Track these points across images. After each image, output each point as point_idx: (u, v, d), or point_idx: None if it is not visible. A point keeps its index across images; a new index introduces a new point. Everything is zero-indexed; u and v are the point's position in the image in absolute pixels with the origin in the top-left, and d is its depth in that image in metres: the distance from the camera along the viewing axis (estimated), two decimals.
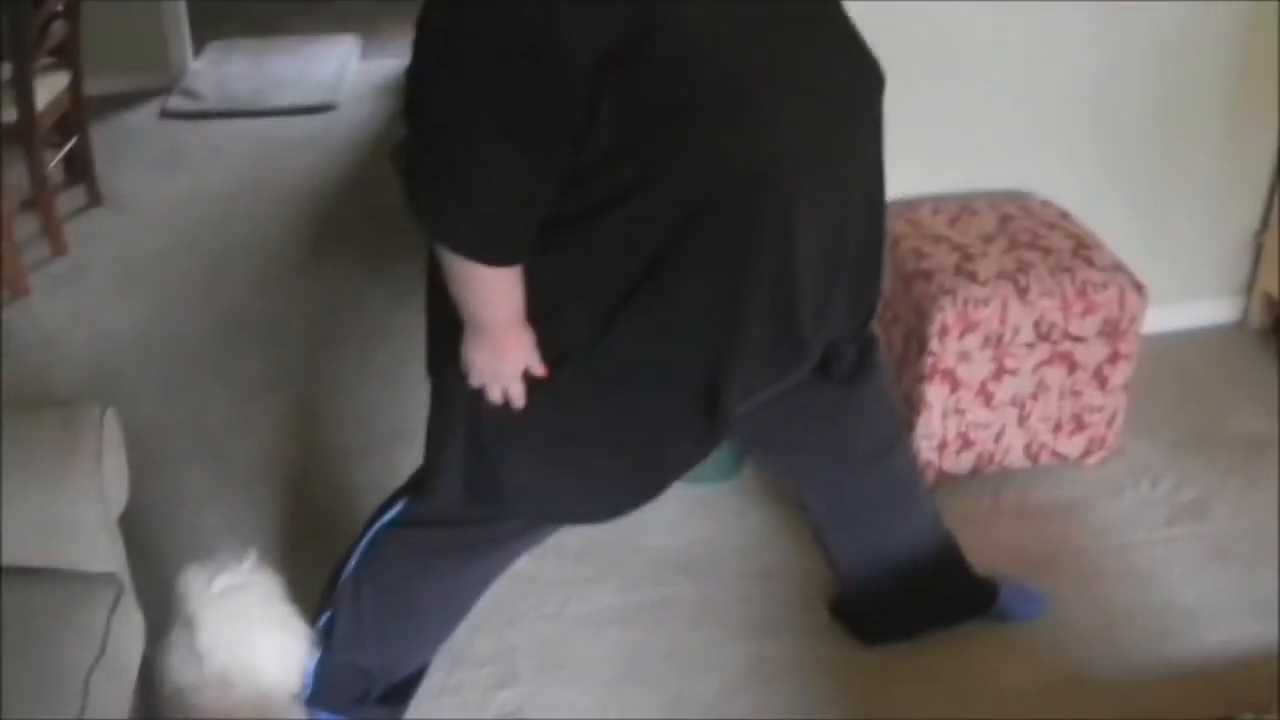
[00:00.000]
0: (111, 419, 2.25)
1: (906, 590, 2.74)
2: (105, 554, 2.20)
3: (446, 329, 2.11)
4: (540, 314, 2.03)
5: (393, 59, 6.17)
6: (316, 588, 2.58)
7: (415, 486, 2.39)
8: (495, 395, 2.07)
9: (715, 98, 1.84)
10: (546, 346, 2.05)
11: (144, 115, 5.50)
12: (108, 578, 2.18)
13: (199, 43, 6.07)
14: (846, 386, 2.39)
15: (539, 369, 2.06)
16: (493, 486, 2.19)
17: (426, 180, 1.88)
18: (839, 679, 2.75)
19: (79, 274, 4.26)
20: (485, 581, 2.52)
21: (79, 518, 2.16)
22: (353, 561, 2.44)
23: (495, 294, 1.98)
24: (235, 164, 5.08)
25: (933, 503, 2.78)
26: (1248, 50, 3.63)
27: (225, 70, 5.91)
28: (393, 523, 2.40)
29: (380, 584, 2.44)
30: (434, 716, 2.65)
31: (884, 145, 2.14)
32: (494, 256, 1.93)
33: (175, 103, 5.57)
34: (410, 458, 3.23)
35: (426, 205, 1.89)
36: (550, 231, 1.94)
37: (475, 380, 2.07)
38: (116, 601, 2.13)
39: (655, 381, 2.09)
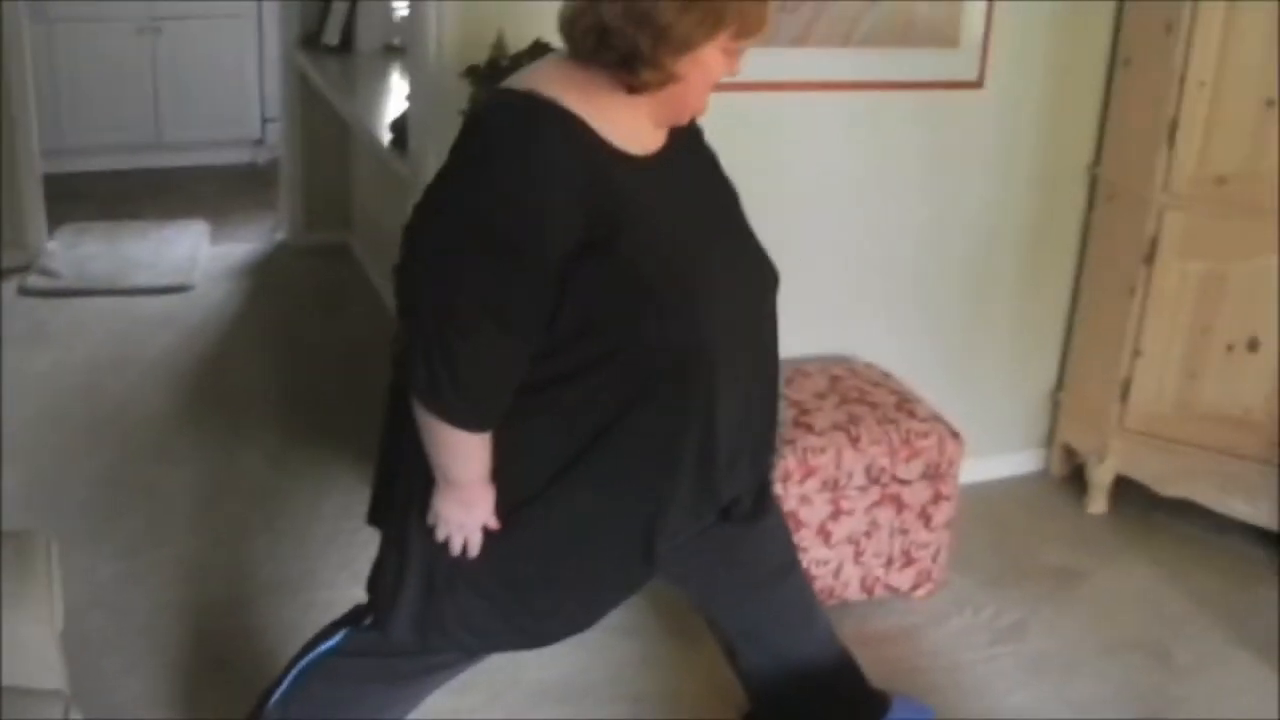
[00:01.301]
0: (54, 548, 2.46)
1: (810, 700, 3.02)
2: (54, 671, 2.39)
3: (406, 485, 2.39)
4: (499, 470, 2.32)
5: (241, 244, 6.47)
6: (222, 716, 2.81)
7: (354, 619, 2.60)
8: (457, 544, 2.35)
9: (663, 290, 2.23)
10: (502, 499, 2.34)
11: (3, 293, 5.66)
12: (57, 693, 2.37)
13: (52, 224, 6.25)
14: (746, 524, 2.72)
15: (494, 523, 2.34)
16: (440, 625, 2.44)
17: (420, 362, 2.18)
18: None
19: None
20: (409, 707, 2.73)
21: (32, 637, 2.36)
22: (283, 687, 2.63)
23: (471, 455, 2.28)
24: (97, 340, 5.26)
25: (828, 620, 3.09)
26: (1039, 227, 4.13)
27: (80, 251, 6.11)
28: (330, 651, 2.61)
29: (310, 709, 2.62)
30: None
31: (777, 328, 2.53)
32: (477, 424, 2.24)
33: (34, 281, 5.75)
34: (293, 602, 3.51)
35: (420, 381, 2.20)
36: (515, 398, 2.26)
37: (442, 530, 2.34)
38: (66, 711, 2.32)
39: (598, 531, 2.41)
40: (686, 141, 2.42)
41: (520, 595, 2.45)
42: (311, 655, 2.65)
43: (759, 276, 2.49)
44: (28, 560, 2.40)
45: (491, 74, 3.08)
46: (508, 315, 2.17)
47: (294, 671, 2.65)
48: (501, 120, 2.22)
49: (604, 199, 2.17)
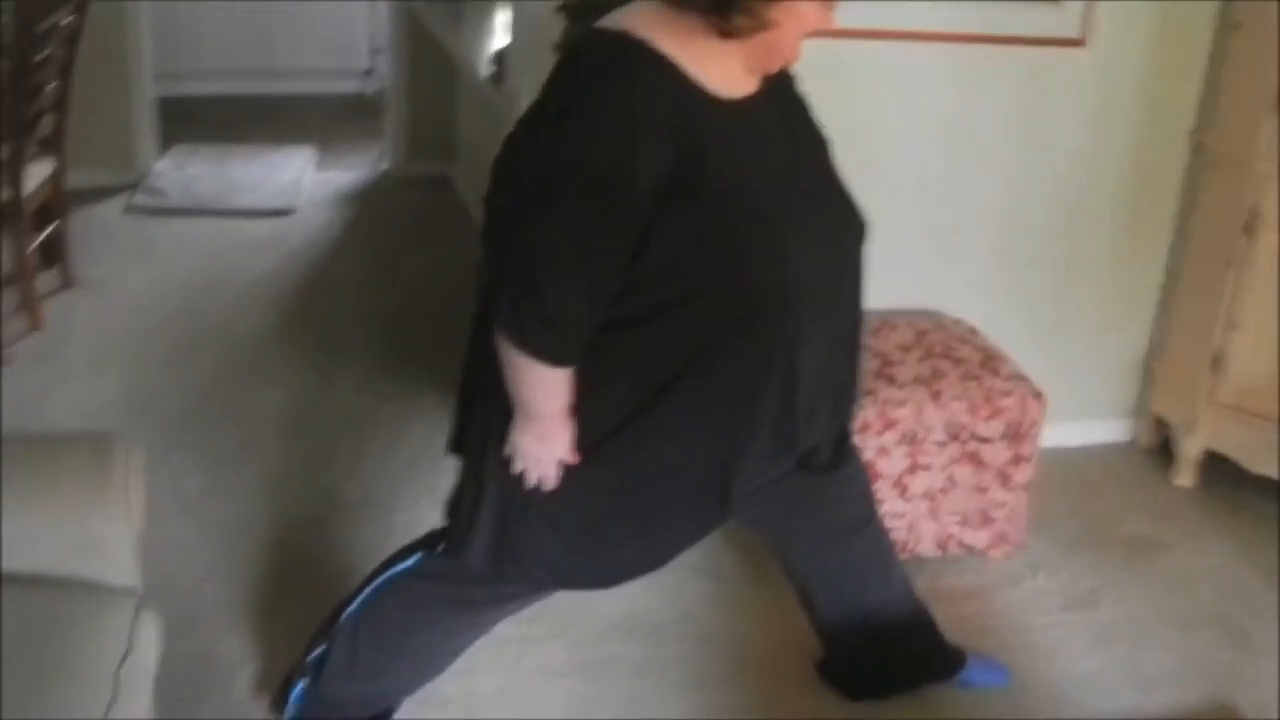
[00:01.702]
0: (135, 452, 2.52)
1: (884, 651, 3.06)
2: (129, 570, 2.45)
3: (485, 415, 2.41)
4: (578, 405, 2.34)
5: (345, 171, 6.55)
6: (294, 632, 2.92)
7: (431, 543, 2.66)
8: (533, 477, 2.37)
9: (749, 231, 2.24)
10: (580, 434, 2.36)
11: (110, 209, 5.79)
12: (131, 589, 2.43)
13: (164, 146, 6.37)
14: (825, 473, 2.74)
15: (572, 458, 2.36)
16: (515, 555, 2.47)
17: (506, 294, 2.21)
18: None
19: (55, 349, 4.50)
20: (475, 636, 2.80)
21: (108, 537, 2.42)
22: (356, 603, 2.71)
23: (552, 389, 2.30)
24: (199, 259, 5.37)
25: (905, 573, 3.10)
26: (1134, 189, 4.07)
27: (188, 172, 6.22)
28: (405, 573, 2.67)
29: (381, 627, 2.69)
30: None
31: (864, 279, 2.52)
32: (560, 359, 2.26)
33: (141, 199, 5.86)
34: (374, 523, 3.56)
35: (506, 315, 2.22)
36: (596, 335, 2.27)
37: (519, 463, 2.36)
38: (139, 609, 2.39)
39: (673, 472, 2.43)
40: (779, 88, 2.41)
41: (592, 532, 2.47)
42: (387, 575, 2.71)
43: (847, 226, 2.49)
44: (105, 461, 2.45)
45: (583, 10, 3.08)
46: (594, 252, 2.17)
47: (368, 589, 2.72)
48: (593, 59, 2.22)
49: (693, 140, 2.18)
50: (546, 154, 2.19)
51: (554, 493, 2.39)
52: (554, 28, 3.27)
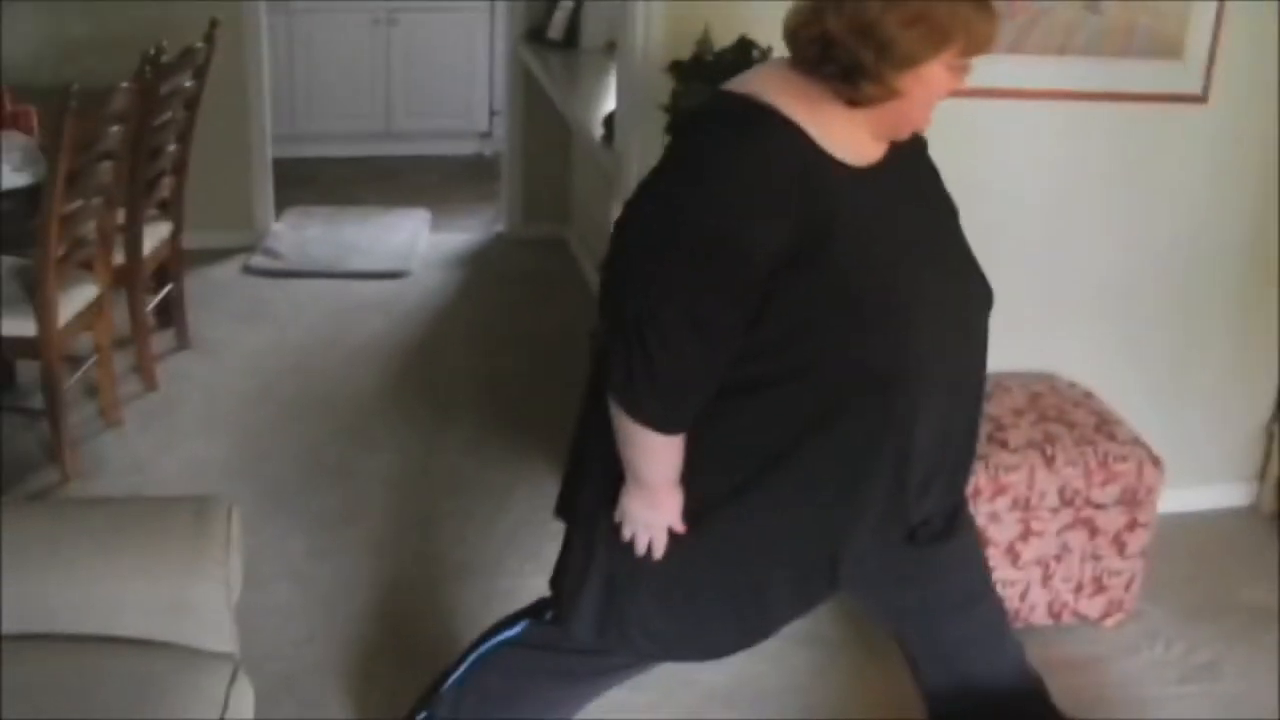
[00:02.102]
0: (236, 516, 2.53)
1: None
2: (225, 635, 2.46)
3: (596, 481, 2.39)
4: (688, 473, 2.30)
5: (460, 233, 6.60)
6: (392, 699, 2.94)
7: (537, 612, 2.62)
8: (643, 544, 2.34)
9: (869, 304, 2.18)
10: (689, 503, 2.32)
11: (228, 270, 5.88)
12: (227, 656, 2.44)
13: (280, 207, 6.47)
14: (936, 544, 2.65)
15: (680, 526, 2.33)
16: (619, 624, 2.43)
17: (620, 362, 2.18)
18: None
19: (168, 409, 4.56)
20: (580, 707, 2.75)
21: (205, 601, 2.42)
22: (460, 670, 2.67)
23: (663, 456, 2.27)
24: (313, 320, 5.42)
25: (1020, 646, 3.00)
26: (1256, 250, 3.96)
27: (304, 234, 6.30)
28: (509, 642, 2.64)
29: (484, 695, 2.66)
30: None
31: (988, 348, 2.46)
32: (671, 427, 2.23)
33: (258, 261, 5.95)
34: (477, 589, 3.54)
35: (618, 381, 2.19)
36: (710, 403, 2.23)
37: (629, 529, 2.33)
38: (234, 675, 2.39)
39: (781, 546, 2.37)
40: (908, 154, 2.36)
41: (697, 602, 2.42)
42: (490, 643, 2.68)
43: (973, 295, 2.42)
44: (206, 525, 2.46)
45: (695, 69, 3.08)
46: (710, 321, 2.14)
47: (472, 657, 2.69)
48: (717, 122, 2.20)
49: (816, 207, 2.13)
50: (665, 221, 2.16)
51: (661, 562, 2.35)
52: (662, 88, 3.26)
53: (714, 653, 2.57)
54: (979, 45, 2.15)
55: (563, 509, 2.54)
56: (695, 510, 2.32)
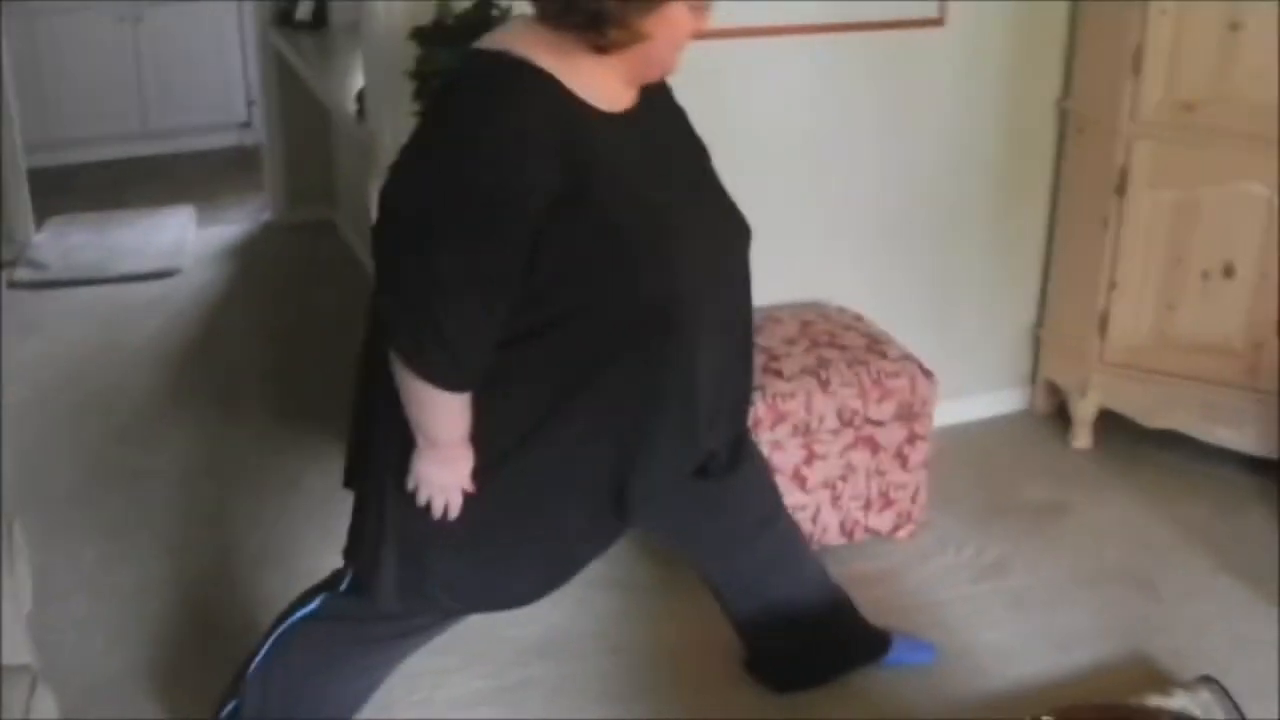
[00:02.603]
0: (18, 527, 2.48)
1: (806, 642, 3.07)
2: (20, 648, 2.42)
3: (381, 448, 2.40)
4: (475, 427, 2.32)
5: (228, 225, 6.50)
6: (203, 693, 2.89)
7: (332, 584, 2.63)
8: (439, 506, 2.35)
9: (636, 242, 2.25)
10: (479, 455, 2.34)
11: None
12: (24, 667, 2.39)
13: (40, 218, 6.29)
14: (724, 475, 2.74)
15: (470, 486, 2.35)
16: (421, 587, 2.45)
17: (403, 324, 2.20)
18: None
19: None
20: (386, 673, 2.77)
21: None
22: (261, 653, 2.67)
23: (453, 415, 2.29)
24: (85, 328, 5.28)
25: (820, 564, 3.11)
26: (1006, 163, 4.12)
27: (68, 241, 6.12)
28: (308, 617, 2.64)
29: (290, 673, 2.66)
30: None
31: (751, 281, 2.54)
32: (460, 384, 2.25)
33: (21, 274, 5.77)
34: (277, 573, 3.52)
35: (405, 345, 2.21)
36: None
37: (424, 492, 2.34)
38: (33, 686, 2.34)
39: (572, 486, 2.42)
40: (657, 99, 2.43)
41: (495, 551, 2.46)
42: (289, 621, 2.68)
43: (731, 231, 2.50)
44: None
45: (437, 34, 3.08)
46: (489, 272, 2.17)
47: (272, 637, 2.69)
48: (474, 80, 2.22)
49: (577, 154, 2.18)
50: (433, 180, 2.19)
51: (456, 520, 2.37)
52: (407, 56, 3.25)
53: (519, 600, 2.61)
54: None
55: (350, 479, 2.55)
56: (483, 463, 2.35)
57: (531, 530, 2.45)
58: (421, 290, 2.18)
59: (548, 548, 2.50)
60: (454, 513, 2.36)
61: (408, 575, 2.45)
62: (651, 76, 2.35)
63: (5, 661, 2.39)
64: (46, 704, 2.36)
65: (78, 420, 4.51)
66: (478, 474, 2.35)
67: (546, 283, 2.22)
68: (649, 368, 2.33)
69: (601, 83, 2.26)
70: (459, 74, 2.30)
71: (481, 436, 2.34)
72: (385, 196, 2.25)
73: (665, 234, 2.30)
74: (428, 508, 2.36)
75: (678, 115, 2.54)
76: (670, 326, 2.32)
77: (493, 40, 2.28)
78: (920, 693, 3.14)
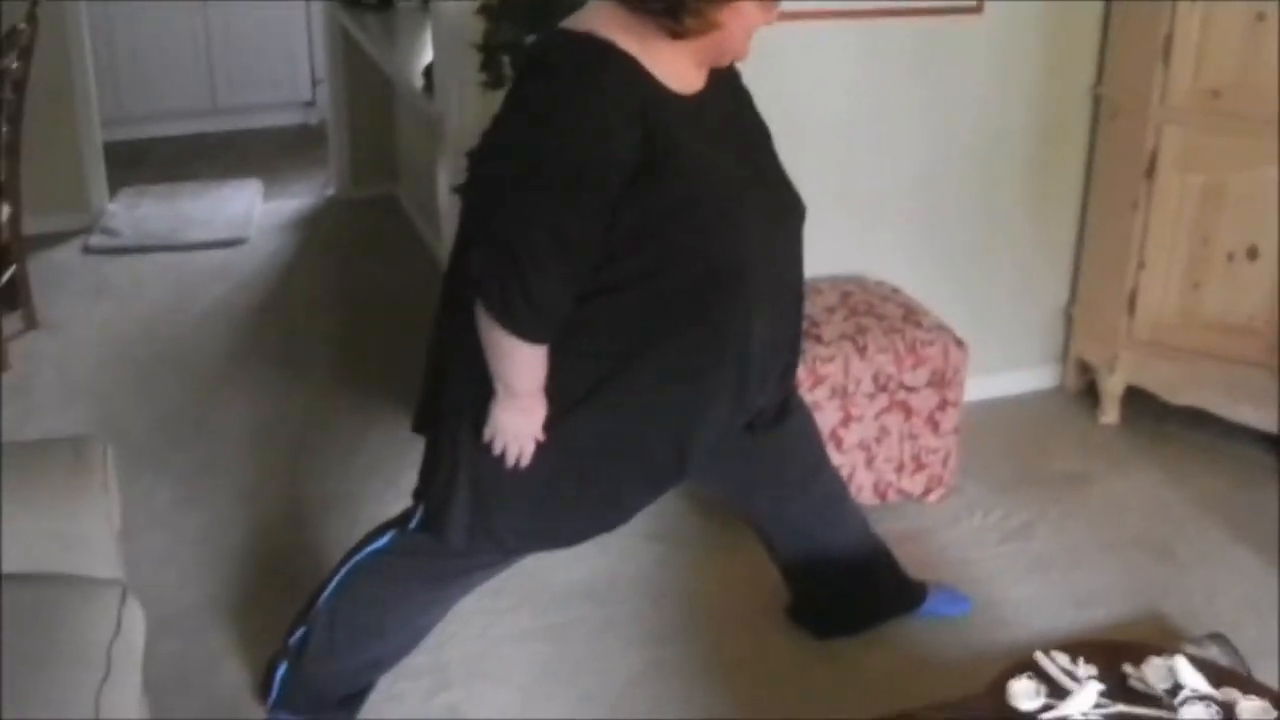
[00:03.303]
0: (110, 453, 2.70)
1: (848, 589, 3.28)
2: (112, 563, 2.63)
3: (456, 394, 2.61)
4: (549, 379, 2.53)
5: (293, 199, 6.74)
6: (272, 625, 3.13)
7: (402, 522, 2.84)
8: (514, 453, 2.57)
9: (708, 209, 2.48)
10: (551, 405, 2.56)
11: (68, 252, 5.95)
12: (115, 581, 2.61)
13: (113, 189, 6.54)
14: (772, 428, 2.94)
15: (542, 435, 2.56)
16: (489, 527, 2.67)
17: (493, 281, 2.41)
18: (723, 674, 3.24)
19: (23, 386, 4.66)
20: (447, 608, 2.99)
21: (89, 532, 2.59)
22: (332, 585, 2.89)
23: (533, 367, 2.51)
24: (156, 292, 5.53)
25: (862, 514, 3.32)
26: (1041, 145, 4.31)
27: (140, 211, 6.38)
28: (378, 551, 2.86)
29: (358, 604, 2.88)
30: (381, 717, 3.08)
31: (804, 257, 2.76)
32: (542, 337, 2.47)
33: (97, 240, 6.03)
34: (341, 520, 3.73)
35: (494, 301, 2.42)
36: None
37: (500, 440, 2.56)
38: (124, 597, 2.56)
39: (635, 438, 2.63)
40: (725, 83, 2.64)
41: (559, 493, 2.66)
42: (360, 555, 2.90)
43: (788, 207, 2.72)
44: (85, 462, 2.63)
45: (503, 10, 3.28)
46: (574, 237, 2.39)
47: (343, 570, 2.91)
48: (565, 58, 2.43)
49: (657, 131, 2.39)
50: (526, 148, 2.41)
51: (528, 464, 2.58)
52: (474, 31, 3.45)
53: (577, 539, 2.86)
54: None
55: (420, 424, 2.75)
56: (555, 412, 2.56)
57: (595, 477, 2.67)
58: (512, 252, 2.38)
59: (607, 494, 2.71)
60: (526, 460, 2.57)
61: (477, 517, 2.66)
62: (722, 62, 2.57)
63: (97, 575, 2.60)
64: (136, 614, 2.57)
65: (149, 376, 4.75)
66: (549, 423, 2.56)
67: (624, 245, 2.44)
68: (712, 329, 2.55)
69: (676, 66, 2.47)
70: (548, 52, 2.51)
71: (555, 387, 2.54)
72: (480, 163, 2.49)
73: (733, 207, 2.52)
74: (501, 455, 2.57)
75: (744, 98, 2.75)
76: (735, 292, 2.54)
77: (578, 21, 2.48)
78: (946, 642, 3.33)
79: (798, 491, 3.14)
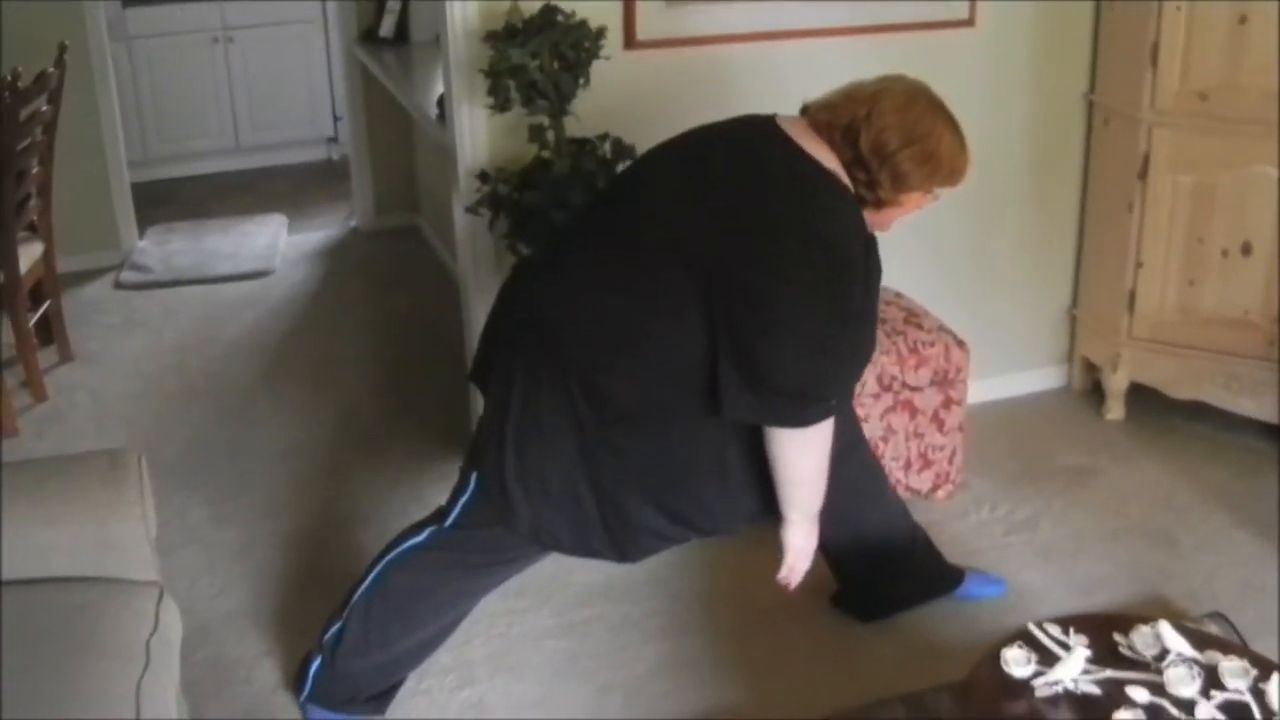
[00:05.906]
0: (144, 462, 2.84)
1: (891, 573, 3.43)
2: (148, 566, 2.77)
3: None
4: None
5: (317, 232, 6.91)
6: (304, 628, 3.29)
7: (436, 519, 3.01)
8: (801, 570, 2.93)
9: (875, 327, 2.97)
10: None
11: (100, 288, 6.12)
12: (152, 582, 2.75)
13: (142, 227, 6.72)
14: None
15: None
16: (552, 530, 2.86)
17: (814, 408, 2.68)
18: (739, 666, 3.36)
19: (60, 415, 4.82)
20: (476, 600, 3.14)
21: (126, 536, 2.73)
22: (368, 580, 3.04)
23: (823, 475, 2.83)
24: (186, 323, 5.70)
25: (899, 496, 3.48)
26: (1037, 152, 4.43)
27: (169, 247, 6.56)
28: (415, 547, 3.01)
29: (390, 600, 3.02)
30: (409, 715, 3.21)
31: None
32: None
33: (127, 276, 6.20)
34: (368, 531, 3.87)
35: (794, 419, 2.68)
36: None
37: (801, 563, 2.91)
38: (161, 597, 2.70)
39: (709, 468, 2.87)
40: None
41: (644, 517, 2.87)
42: (397, 550, 3.05)
43: None
44: (121, 470, 2.77)
45: (508, 37, 3.42)
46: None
47: (378, 567, 3.06)
48: (834, 198, 2.72)
49: (870, 262, 2.80)
50: (821, 265, 2.65)
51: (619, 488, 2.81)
52: (481, 58, 3.60)
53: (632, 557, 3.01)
54: (956, 180, 2.85)
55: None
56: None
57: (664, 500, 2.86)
58: (821, 355, 2.65)
59: (668, 511, 2.89)
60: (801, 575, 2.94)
61: (539, 519, 2.83)
62: (879, 228, 2.88)
63: (135, 577, 2.74)
64: (172, 613, 2.71)
65: (181, 403, 4.91)
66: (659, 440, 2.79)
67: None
68: None
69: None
70: (818, 188, 2.73)
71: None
72: (773, 281, 2.64)
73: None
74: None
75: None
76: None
77: (819, 156, 2.75)
78: (955, 630, 3.45)
79: (838, 467, 3.24)
